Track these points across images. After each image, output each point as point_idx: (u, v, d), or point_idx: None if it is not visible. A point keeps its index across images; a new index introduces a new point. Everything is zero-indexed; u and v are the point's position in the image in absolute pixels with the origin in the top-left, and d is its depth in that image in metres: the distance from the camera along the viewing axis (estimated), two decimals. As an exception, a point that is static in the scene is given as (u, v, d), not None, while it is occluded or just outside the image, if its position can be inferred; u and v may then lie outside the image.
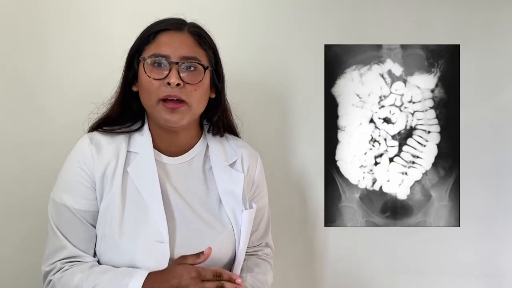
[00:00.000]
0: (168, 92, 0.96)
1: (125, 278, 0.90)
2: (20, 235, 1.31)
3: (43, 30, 1.33)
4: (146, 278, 0.90)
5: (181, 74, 0.96)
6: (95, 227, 0.99)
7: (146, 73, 0.97)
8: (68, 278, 0.94)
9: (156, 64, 0.97)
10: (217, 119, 1.09)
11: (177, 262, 0.92)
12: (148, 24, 1.03)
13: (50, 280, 0.96)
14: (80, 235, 0.97)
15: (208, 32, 1.05)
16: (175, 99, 0.96)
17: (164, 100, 0.97)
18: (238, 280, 0.92)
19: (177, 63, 0.96)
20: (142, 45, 1.01)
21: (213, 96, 1.07)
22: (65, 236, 0.96)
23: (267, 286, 1.09)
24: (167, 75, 0.96)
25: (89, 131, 1.06)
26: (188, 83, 0.97)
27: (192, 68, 0.98)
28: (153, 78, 0.96)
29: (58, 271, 0.96)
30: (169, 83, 0.95)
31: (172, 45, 0.98)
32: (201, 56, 1.01)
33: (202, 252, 0.93)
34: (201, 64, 0.99)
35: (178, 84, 0.95)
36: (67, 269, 0.95)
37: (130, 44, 1.05)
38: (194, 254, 0.93)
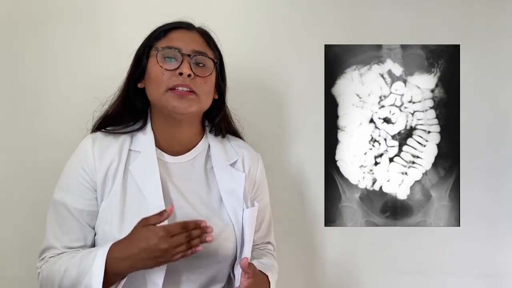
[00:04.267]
0: (179, 81, 0.98)
1: (91, 252, 0.92)
2: (20, 235, 1.31)
3: (44, 29, 1.33)
4: (110, 248, 0.90)
5: (192, 67, 0.99)
6: (91, 227, 1.00)
7: (158, 63, 0.99)
8: (51, 263, 0.97)
9: (168, 58, 1.00)
10: (219, 121, 1.11)
11: (140, 225, 0.90)
12: (157, 26, 1.06)
13: (39, 273, 1.00)
14: (73, 234, 0.99)
15: (214, 37, 1.08)
16: (185, 89, 0.99)
17: (172, 89, 0.99)
18: (203, 224, 0.90)
19: (189, 55, 1.00)
20: (152, 41, 1.03)
21: (216, 97, 1.09)
22: (58, 236, 0.99)
23: (273, 269, 1.10)
24: (179, 66, 0.99)
25: (92, 130, 1.07)
26: (198, 76, 1.00)
27: (201, 65, 1.02)
28: (165, 69, 0.99)
29: (45, 263, 0.99)
30: (181, 74, 0.98)
31: (183, 40, 1.02)
32: (210, 54, 1.05)
33: (165, 210, 0.90)
34: (210, 58, 1.03)
35: (189, 75, 0.98)
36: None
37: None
38: (156, 214, 0.90)
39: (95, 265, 0.89)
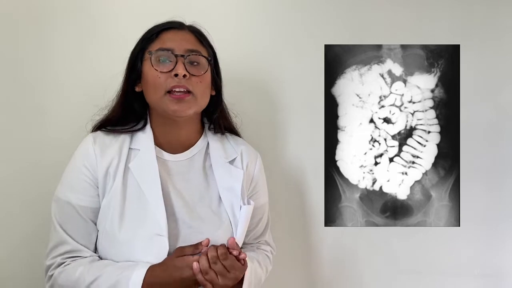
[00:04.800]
0: (175, 83, 0.99)
1: (126, 271, 0.93)
2: (20, 235, 1.31)
3: (45, 30, 1.33)
4: (147, 271, 0.93)
5: (186, 67, 1.00)
6: (95, 224, 1.01)
7: (153, 66, 1.00)
8: (69, 272, 0.97)
9: (162, 60, 1.00)
10: (217, 117, 1.12)
11: (175, 255, 0.95)
12: (149, 28, 1.06)
13: (51, 275, 0.99)
14: (80, 230, 1.00)
15: (206, 33, 1.09)
16: (182, 90, 0.99)
17: (170, 92, 0.99)
18: (235, 252, 0.96)
19: (182, 55, 1.00)
20: (145, 44, 1.04)
21: (213, 93, 1.10)
22: (66, 231, 0.99)
23: (256, 262, 1.10)
24: (174, 68, 0.99)
25: (92, 131, 1.08)
26: (193, 75, 1.00)
27: (196, 63, 1.02)
28: (160, 71, 0.99)
29: (58, 266, 0.99)
30: (176, 75, 0.98)
31: (175, 40, 1.02)
32: (203, 51, 1.05)
33: (200, 243, 0.96)
34: (204, 56, 1.03)
35: (184, 76, 0.99)
36: (68, 264, 0.98)
37: (133, 45, 1.06)
38: (192, 245, 0.97)
39: (132, 285, 0.92)
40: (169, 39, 1.02)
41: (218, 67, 1.11)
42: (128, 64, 1.06)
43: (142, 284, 0.91)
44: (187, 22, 1.08)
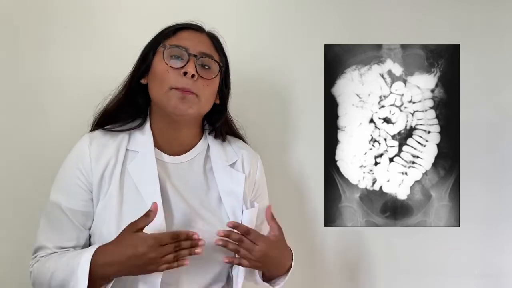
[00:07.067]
0: (182, 84, 0.98)
1: (77, 256, 0.92)
2: (20, 235, 1.30)
3: (45, 30, 1.33)
4: (96, 253, 0.90)
5: (197, 68, 0.99)
6: (85, 228, 1.00)
7: (164, 60, 0.99)
8: (41, 265, 0.97)
9: (174, 57, 1.00)
10: (220, 126, 1.11)
11: (129, 230, 0.89)
12: (168, 25, 1.06)
13: (31, 272, 1.00)
14: (66, 234, 0.99)
15: (223, 42, 1.09)
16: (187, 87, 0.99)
17: (176, 89, 0.99)
18: (195, 236, 0.90)
19: (195, 56, 1.00)
20: (161, 39, 1.04)
21: (217, 102, 1.09)
22: (50, 236, 0.99)
23: None
24: (184, 65, 0.98)
25: (92, 125, 1.07)
26: (202, 77, 1.00)
27: (207, 67, 1.02)
28: (170, 66, 0.99)
29: (36, 262, 0.99)
30: (185, 73, 0.98)
31: (191, 40, 1.02)
32: (216, 57, 1.04)
33: (150, 210, 0.90)
34: (216, 62, 1.03)
35: (193, 76, 0.98)
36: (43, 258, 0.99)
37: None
38: (143, 215, 0.90)
39: (80, 269, 0.89)
40: (186, 38, 1.02)
41: (228, 78, 1.10)
42: (140, 56, 1.06)
43: (90, 265, 0.88)
44: (206, 27, 1.08)
